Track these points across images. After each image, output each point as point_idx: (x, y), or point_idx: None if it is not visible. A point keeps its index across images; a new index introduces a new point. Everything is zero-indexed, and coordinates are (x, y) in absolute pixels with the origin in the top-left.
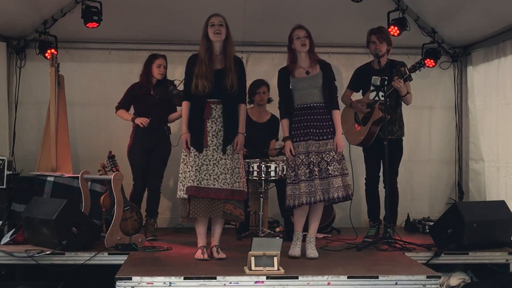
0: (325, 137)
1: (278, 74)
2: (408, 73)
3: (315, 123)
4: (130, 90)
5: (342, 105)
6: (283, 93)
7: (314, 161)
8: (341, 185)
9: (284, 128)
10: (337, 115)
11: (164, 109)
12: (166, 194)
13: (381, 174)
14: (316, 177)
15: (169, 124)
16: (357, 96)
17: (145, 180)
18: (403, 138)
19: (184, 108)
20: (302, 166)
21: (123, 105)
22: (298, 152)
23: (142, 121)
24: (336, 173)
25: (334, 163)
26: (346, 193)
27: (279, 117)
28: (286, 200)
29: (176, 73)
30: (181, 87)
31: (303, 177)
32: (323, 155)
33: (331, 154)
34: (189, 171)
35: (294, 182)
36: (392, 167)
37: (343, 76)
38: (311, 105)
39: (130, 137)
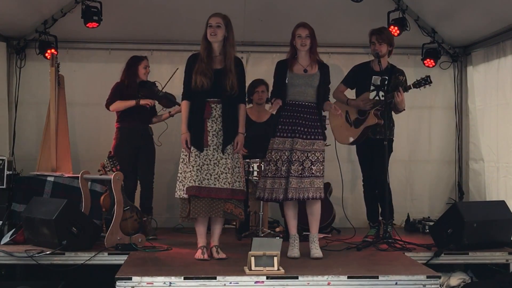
0: (312, 137)
1: (276, 66)
2: (412, 87)
3: (304, 122)
4: (117, 90)
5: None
6: (277, 85)
7: (295, 159)
8: (320, 186)
9: (275, 104)
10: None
11: (149, 111)
12: (165, 194)
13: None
14: (292, 175)
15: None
16: (349, 93)
17: (135, 179)
18: (394, 138)
19: (183, 108)
20: (286, 163)
21: (113, 100)
22: (284, 148)
23: (148, 102)
24: (318, 174)
25: (318, 164)
26: (320, 195)
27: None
28: (257, 191)
29: (176, 73)
30: (165, 89)
31: (285, 174)
32: (308, 154)
33: (316, 154)
34: (189, 171)
35: (274, 176)
36: (382, 165)
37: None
38: (303, 103)
39: (114, 138)
